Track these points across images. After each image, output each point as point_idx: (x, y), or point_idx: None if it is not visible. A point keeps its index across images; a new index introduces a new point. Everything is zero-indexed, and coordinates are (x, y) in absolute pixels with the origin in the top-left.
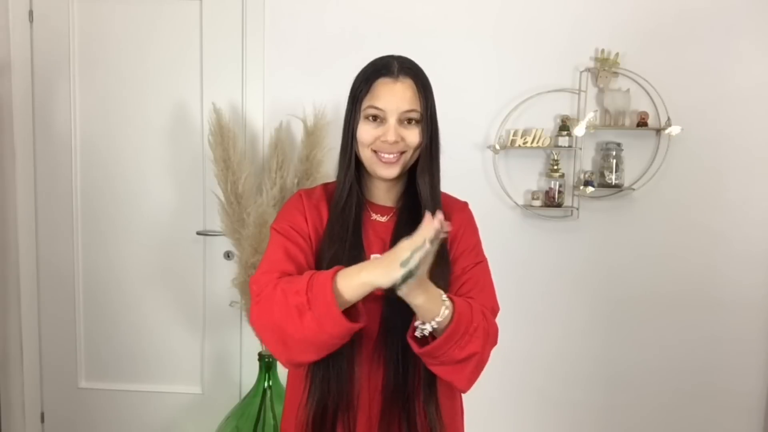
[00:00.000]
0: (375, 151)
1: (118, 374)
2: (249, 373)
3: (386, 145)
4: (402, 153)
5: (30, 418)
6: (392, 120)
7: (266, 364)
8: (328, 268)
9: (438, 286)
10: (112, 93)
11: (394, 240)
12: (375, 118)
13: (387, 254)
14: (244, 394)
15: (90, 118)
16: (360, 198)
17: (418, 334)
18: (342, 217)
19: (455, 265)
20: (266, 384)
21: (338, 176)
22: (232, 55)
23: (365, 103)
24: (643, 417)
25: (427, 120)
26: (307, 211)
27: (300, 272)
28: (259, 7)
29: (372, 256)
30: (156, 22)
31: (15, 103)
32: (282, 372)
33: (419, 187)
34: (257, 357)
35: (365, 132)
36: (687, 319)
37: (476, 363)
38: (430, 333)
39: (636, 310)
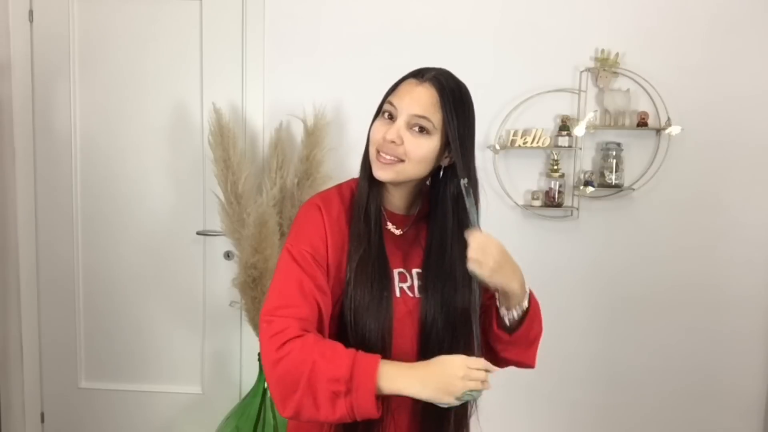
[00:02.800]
0: (378, 151)
1: (118, 374)
2: (249, 373)
3: (386, 143)
4: (400, 160)
5: (30, 418)
6: (401, 120)
7: None
8: (352, 279)
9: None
10: (112, 93)
11: (410, 256)
12: (389, 115)
13: (437, 369)
14: (244, 394)
15: (90, 118)
16: (378, 204)
17: (507, 321)
18: (366, 220)
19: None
20: (266, 384)
21: (360, 182)
22: (232, 55)
23: (389, 99)
24: (642, 417)
25: (454, 141)
26: (328, 230)
27: (313, 315)
28: (259, 7)
29: (395, 271)
30: (156, 22)
31: (15, 103)
32: None
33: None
34: (257, 357)
35: (376, 128)
36: (687, 319)
37: (540, 339)
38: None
39: (636, 309)
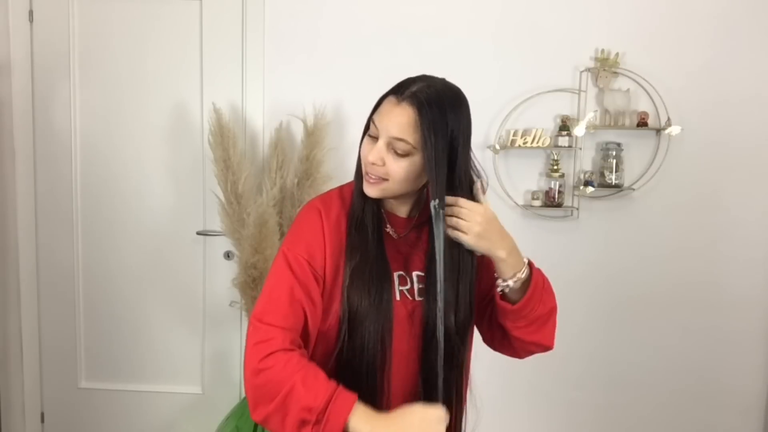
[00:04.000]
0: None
1: (118, 374)
2: None
3: (369, 165)
4: (384, 179)
5: (30, 418)
6: (381, 141)
7: None
8: (349, 281)
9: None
10: (112, 93)
11: (411, 259)
12: (373, 135)
13: (413, 422)
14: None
15: (90, 118)
16: (377, 208)
17: (501, 289)
18: (361, 228)
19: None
20: None
21: (354, 193)
22: (232, 55)
23: (372, 117)
24: (642, 416)
25: (429, 162)
26: (327, 236)
27: (299, 324)
28: (259, 7)
29: (395, 274)
30: (156, 22)
31: (15, 103)
32: None
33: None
34: None
35: (363, 147)
36: (687, 319)
37: (555, 316)
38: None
39: (636, 309)
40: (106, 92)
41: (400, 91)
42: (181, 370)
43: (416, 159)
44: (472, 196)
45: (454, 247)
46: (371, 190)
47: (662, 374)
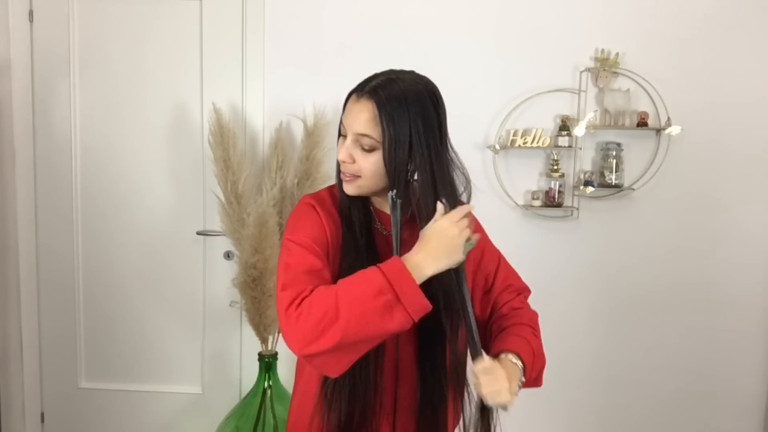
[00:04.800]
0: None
1: (118, 374)
2: (249, 373)
3: (342, 163)
4: (357, 176)
5: (30, 418)
6: (349, 139)
7: (266, 364)
8: (343, 277)
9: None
10: (112, 93)
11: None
12: (342, 134)
13: (436, 239)
14: (244, 394)
15: (90, 118)
16: (365, 206)
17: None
18: (350, 226)
19: (483, 263)
20: (266, 384)
21: (339, 193)
22: (232, 55)
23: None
24: (642, 416)
25: (387, 153)
26: (325, 222)
27: (326, 271)
28: (259, 7)
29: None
30: (156, 22)
31: (15, 103)
32: (282, 372)
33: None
34: (257, 357)
35: (338, 147)
36: (687, 319)
37: (544, 367)
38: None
39: (636, 309)
40: (106, 92)
41: (362, 87)
42: (181, 370)
43: (384, 152)
44: (453, 191)
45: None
46: (348, 188)
47: (662, 374)
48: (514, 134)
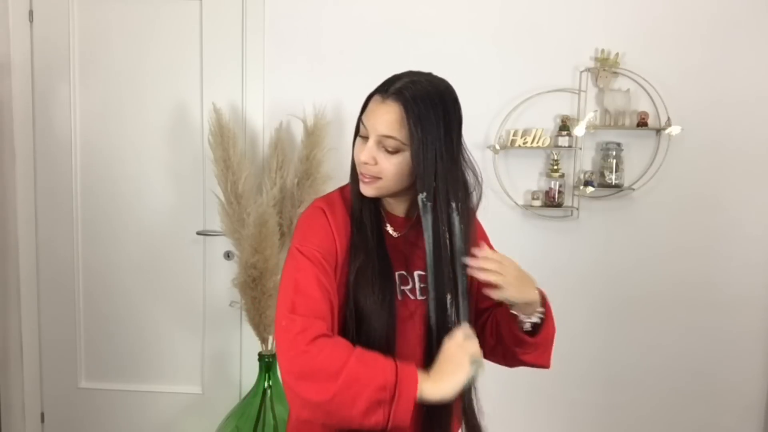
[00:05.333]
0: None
1: (118, 374)
2: (249, 373)
3: (362, 165)
4: (378, 178)
5: (30, 418)
6: (371, 140)
7: (266, 364)
8: (354, 280)
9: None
10: (112, 93)
11: (411, 258)
12: (363, 135)
13: (443, 361)
14: (244, 394)
15: (90, 118)
16: (376, 207)
17: (528, 327)
18: (361, 228)
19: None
20: (266, 384)
21: (351, 194)
22: (232, 55)
23: (361, 118)
24: (642, 416)
25: (416, 158)
26: (335, 232)
27: (330, 310)
28: (259, 7)
29: (396, 273)
30: (156, 22)
31: (15, 103)
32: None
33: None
34: (257, 357)
35: (356, 148)
36: (687, 319)
37: (554, 337)
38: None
39: (636, 309)
40: (106, 92)
41: (385, 88)
42: (181, 370)
43: (407, 155)
44: (467, 195)
45: (447, 243)
46: (367, 190)
47: (662, 374)
48: (514, 134)
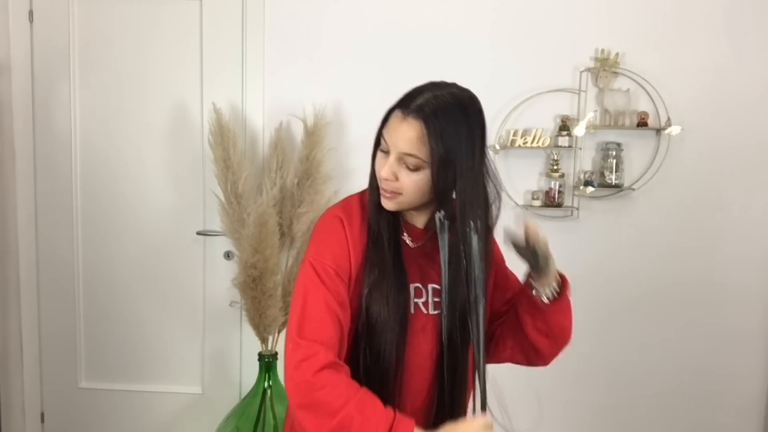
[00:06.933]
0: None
1: (118, 374)
2: (249, 373)
3: (383, 180)
4: (399, 193)
5: (30, 418)
6: (392, 157)
7: (266, 364)
8: (368, 293)
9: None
10: (112, 93)
11: (427, 271)
12: (384, 149)
13: None
14: (244, 394)
15: (90, 118)
16: (395, 217)
17: (544, 297)
18: (378, 240)
19: (500, 268)
20: (266, 384)
21: (369, 206)
22: (232, 55)
23: (382, 131)
24: (642, 416)
25: (436, 175)
26: (351, 245)
27: (337, 335)
28: (259, 7)
29: (411, 286)
30: (156, 22)
31: (15, 103)
32: (282, 372)
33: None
34: (257, 357)
35: (377, 162)
36: (687, 319)
37: (565, 343)
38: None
39: (636, 309)
40: (106, 92)
41: (406, 104)
42: (181, 370)
43: (428, 172)
44: (487, 211)
45: (464, 262)
46: (388, 204)
47: (662, 374)
48: (514, 134)
